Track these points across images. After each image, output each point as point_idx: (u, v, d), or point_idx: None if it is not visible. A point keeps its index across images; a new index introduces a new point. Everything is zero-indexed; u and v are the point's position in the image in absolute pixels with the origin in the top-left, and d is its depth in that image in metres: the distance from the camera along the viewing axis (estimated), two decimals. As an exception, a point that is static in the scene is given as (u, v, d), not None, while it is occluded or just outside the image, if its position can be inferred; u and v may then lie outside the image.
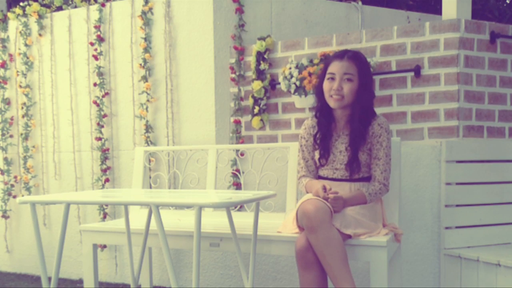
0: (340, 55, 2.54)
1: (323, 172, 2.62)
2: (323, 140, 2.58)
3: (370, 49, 3.12)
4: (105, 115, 3.73)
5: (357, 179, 2.54)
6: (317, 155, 2.61)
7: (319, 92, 2.58)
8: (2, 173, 4.09)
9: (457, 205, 2.93)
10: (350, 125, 2.53)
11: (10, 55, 4.12)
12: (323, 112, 2.58)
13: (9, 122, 4.11)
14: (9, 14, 4.10)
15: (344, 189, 2.51)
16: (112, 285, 3.68)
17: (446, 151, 2.89)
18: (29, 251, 4.09)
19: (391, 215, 2.64)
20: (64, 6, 3.97)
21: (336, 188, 2.49)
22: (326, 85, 2.53)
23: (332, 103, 2.51)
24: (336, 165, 2.55)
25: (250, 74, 3.44)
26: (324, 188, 2.39)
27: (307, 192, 2.57)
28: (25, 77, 4.04)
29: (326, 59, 2.61)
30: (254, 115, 3.41)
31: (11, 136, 4.12)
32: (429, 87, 2.99)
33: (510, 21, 5.10)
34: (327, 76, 2.53)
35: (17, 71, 4.07)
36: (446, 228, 2.91)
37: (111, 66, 3.75)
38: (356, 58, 2.52)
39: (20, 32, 4.05)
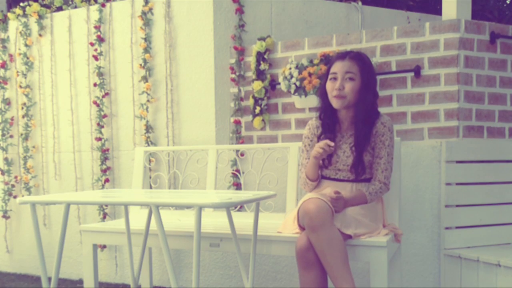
0: (342, 55, 2.55)
1: (325, 172, 2.61)
2: None
3: (370, 50, 3.12)
4: (105, 116, 3.73)
5: (360, 180, 2.54)
6: None
7: (322, 93, 2.59)
8: (3, 173, 4.09)
9: (457, 206, 2.93)
10: (354, 125, 2.53)
11: (10, 55, 4.12)
12: (327, 113, 2.59)
13: (9, 122, 4.11)
14: (9, 15, 4.10)
15: (346, 190, 2.51)
16: (112, 285, 3.68)
17: (446, 151, 2.89)
18: (29, 251, 4.09)
19: (391, 215, 2.64)
20: (64, 7, 3.97)
21: (338, 188, 2.49)
22: (328, 85, 2.54)
23: (334, 103, 2.52)
24: (339, 166, 2.55)
25: (250, 74, 3.44)
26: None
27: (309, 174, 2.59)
28: (25, 78, 4.04)
29: (329, 61, 2.63)
30: (255, 115, 3.41)
31: (11, 136, 4.11)
32: (429, 87, 2.99)
33: (510, 21, 5.10)
34: (329, 76, 2.54)
35: (17, 72, 4.06)
36: (446, 228, 2.91)
37: (111, 66, 3.75)
38: (358, 58, 2.53)
39: (20, 33, 4.05)
